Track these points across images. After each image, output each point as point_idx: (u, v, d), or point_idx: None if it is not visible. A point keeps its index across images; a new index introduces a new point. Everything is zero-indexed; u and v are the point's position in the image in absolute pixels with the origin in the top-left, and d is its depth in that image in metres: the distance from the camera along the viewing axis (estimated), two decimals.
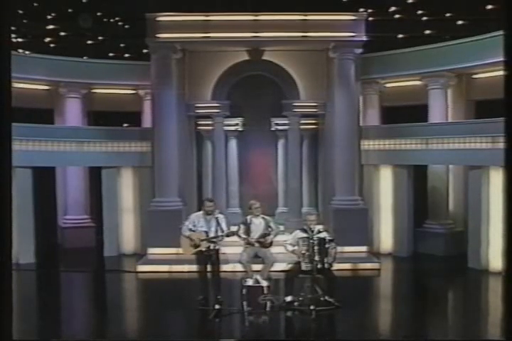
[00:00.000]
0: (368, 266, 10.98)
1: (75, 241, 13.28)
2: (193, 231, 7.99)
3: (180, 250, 11.22)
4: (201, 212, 8.12)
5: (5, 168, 3.30)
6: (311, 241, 7.86)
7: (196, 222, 8.04)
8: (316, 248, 7.80)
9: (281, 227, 11.80)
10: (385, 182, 12.78)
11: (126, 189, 12.94)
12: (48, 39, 14.10)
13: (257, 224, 8.59)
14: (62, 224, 13.92)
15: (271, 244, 8.51)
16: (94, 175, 13.49)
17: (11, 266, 3.17)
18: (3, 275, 3.16)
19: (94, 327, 7.75)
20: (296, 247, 8.00)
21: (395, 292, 9.99)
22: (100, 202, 12.92)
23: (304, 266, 7.84)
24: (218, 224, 7.88)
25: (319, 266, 7.78)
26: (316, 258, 7.78)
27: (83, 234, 13.49)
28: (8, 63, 3.41)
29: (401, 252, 12.46)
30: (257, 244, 8.46)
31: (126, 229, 12.95)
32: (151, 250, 11.87)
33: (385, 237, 12.80)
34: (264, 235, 8.46)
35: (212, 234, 7.80)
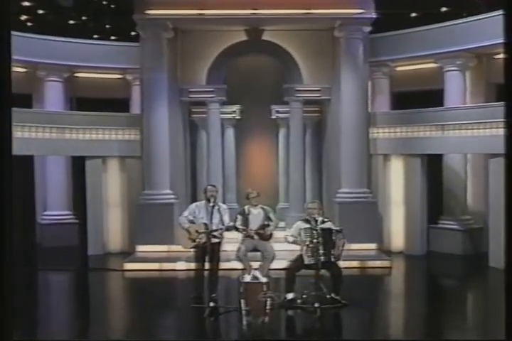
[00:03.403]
0: (378, 263, 10.91)
1: (55, 239, 13.14)
2: (193, 222, 7.85)
3: (172, 247, 11.40)
4: (203, 202, 8.00)
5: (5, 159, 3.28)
6: (314, 231, 7.71)
7: (197, 213, 7.93)
8: (320, 239, 7.65)
9: (283, 223, 11.77)
10: (396, 174, 12.70)
11: (112, 181, 12.83)
12: (24, 17, 13.92)
13: (256, 215, 8.51)
14: (40, 221, 13.80)
15: (271, 235, 8.42)
16: (77, 165, 13.35)
17: (12, 265, 3.27)
18: (3, 276, 3.26)
19: (74, 329, 7.57)
20: (297, 238, 7.87)
21: (407, 291, 9.86)
22: (84, 196, 12.79)
23: (306, 260, 7.68)
24: (221, 215, 7.73)
25: (323, 259, 7.62)
26: (320, 250, 7.62)
27: (65, 231, 13.35)
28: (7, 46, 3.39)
29: (414, 251, 12.36)
30: (256, 236, 8.34)
31: (113, 226, 12.85)
32: (140, 247, 11.80)
33: (396, 234, 12.72)
34: (263, 226, 8.35)
35: (214, 227, 7.65)
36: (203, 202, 8.00)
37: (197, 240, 7.71)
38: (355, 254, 10.75)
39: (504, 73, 3.20)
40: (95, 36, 14.59)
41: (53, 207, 13.77)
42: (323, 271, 7.77)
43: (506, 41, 3.22)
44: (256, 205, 8.56)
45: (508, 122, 3.29)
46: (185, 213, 8.05)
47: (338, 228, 7.90)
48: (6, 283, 3.26)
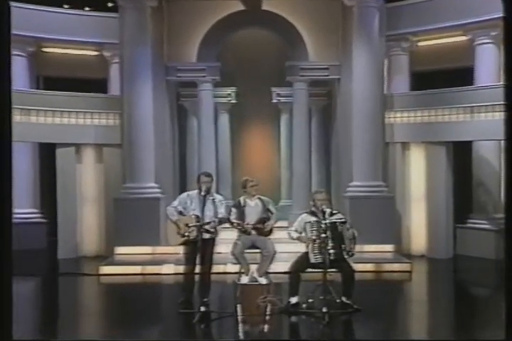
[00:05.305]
0: (396, 267, 10.88)
1: (19, 241, 12.68)
2: (183, 215, 7.81)
3: (157, 249, 11.46)
4: (195, 191, 7.95)
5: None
6: (322, 225, 7.63)
7: (188, 204, 7.88)
8: (328, 233, 7.57)
9: (285, 223, 11.76)
10: (417, 165, 12.76)
11: (87, 173, 12.87)
12: None
13: (253, 207, 8.54)
14: None
15: (271, 230, 8.42)
16: (46, 154, 13.34)
17: (12, 265, 3.46)
18: (3, 276, 3.49)
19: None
20: (303, 234, 7.84)
21: (429, 298, 9.73)
22: (53, 191, 12.81)
23: (313, 259, 7.62)
24: (216, 207, 7.67)
25: (333, 257, 7.55)
26: (329, 247, 7.55)
27: (30, 232, 13.30)
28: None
29: (438, 254, 12.42)
30: (253, 232, 8.32)
31: (88, 225, 12.90)
32: (120, 249, 11.82)
33: (417, 235, 12.80)
34: (262, 220, 8.34)
35: (206, 220, 7.58)
36: (196, 191, 7.94)
37: (186, 234, 7.63)
38: (369, 257, 10.85)
39: (505, 51, 3.40)
40: (66, 6, 14.49)
41: (17, 204, 13.53)
42: (331, 270, 7.67)
43: (505, 15, 3.40)
44: (253, 196, 8.54)
45: (507, 105, 3.28)
46: (175, 203, 7.99)
47: (343, 219, 7.82)
48: (5, 284, 3.47)
